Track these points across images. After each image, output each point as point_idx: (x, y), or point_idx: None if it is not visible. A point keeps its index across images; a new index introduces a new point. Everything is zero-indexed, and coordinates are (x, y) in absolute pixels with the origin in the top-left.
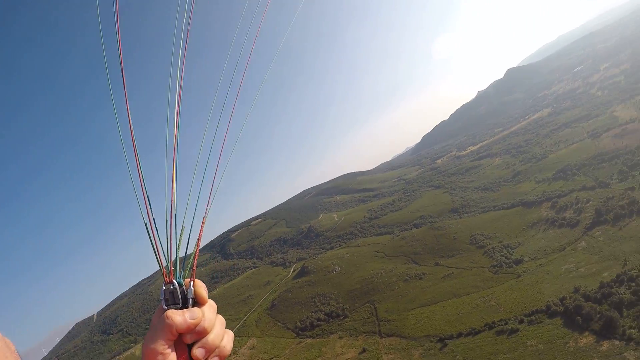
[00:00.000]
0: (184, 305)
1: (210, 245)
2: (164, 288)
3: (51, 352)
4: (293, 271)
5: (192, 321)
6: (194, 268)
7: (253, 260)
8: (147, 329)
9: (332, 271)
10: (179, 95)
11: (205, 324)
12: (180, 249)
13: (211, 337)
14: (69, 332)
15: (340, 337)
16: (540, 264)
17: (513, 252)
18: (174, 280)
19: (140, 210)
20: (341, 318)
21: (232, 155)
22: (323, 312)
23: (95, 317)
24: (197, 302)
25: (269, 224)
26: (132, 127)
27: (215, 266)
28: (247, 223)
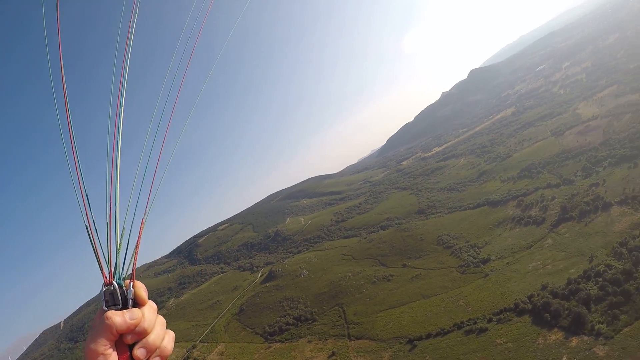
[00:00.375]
0: (124, 307)
1: (177, 251)
2: (104, 289)
3: None
4: (261, 276)
5: (132, 322)
6: (134, 269)
7: (220, 266)
8: None
9: (300, 275)
10: (120, 93)
11: (145, 324)
12: (120, 251)
13: (152, 338)
14: (36, 340)
15: (309, 341)
16: (507, 263)
17: (480, 251)
18: (114, 282)
19: (81, 211)
20: (310, 322)
21: (172, 156)
22: (292, 317)
23: (62, 324)
24: (137, 303)
25: (236, 229)
26: (71, 128)
27: (182, 272)
28: (214, 228)
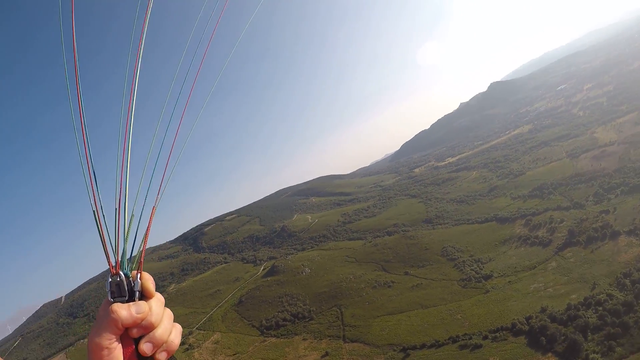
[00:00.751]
0: (131, 298)
1: (183, 237)
2: (110, 280)
3: (16, 330)
4: (263, 269)
5: (138, 315)
6: (142, 260)
7: (224, 256)
8: None
9: (302, 272)
10: (135, 76)
11: (152, 318)
12: (128, 239)
13: (158, 332)
14: (36, 312)
15: (304, 339)
16: (509, 281)
17: (483, 267)
18: (121, 272)
19: (89, 196)
20: (307, 320)
21: (186, 143)
22: (289, 313)
23: (63, 299)
24: (144, 296)
25: (243, 221)
26: (82, 106)
27: (186, 258)
28: (222, 218)
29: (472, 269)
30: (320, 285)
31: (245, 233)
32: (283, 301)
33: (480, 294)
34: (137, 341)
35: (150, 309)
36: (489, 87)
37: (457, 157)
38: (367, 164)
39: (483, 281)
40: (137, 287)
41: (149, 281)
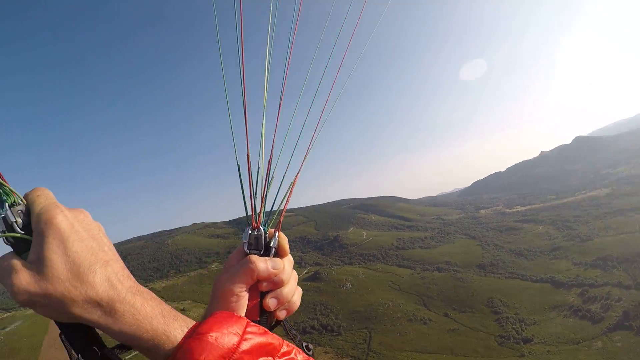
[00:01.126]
0: (265, 253)
1: (237, 222)
2: (250, 232)
3: None
4: (306, 273)
5: (274, 270)
6: (281, 220)
7: None
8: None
9: (343, 286)
10: (293, 38)
11: (284, 276)
12: (267, 198)
13: (285, 290)
14: None
15: (326, 352)
16: (548, 350)
17: (526, 328)
18: (261, 227)
19: (236, 152)
20: (334, 334)
21: (332, 112)
22: (319, 322)
23: None
24: (278, 254)
25: (299, 221)
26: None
27: (234, 242)
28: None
29: (513, 328)
30: (357, 304)
31: (298, 233)
32: (316, 309)
33: (515, 356)
34: (262, 295)
35: (283, 266)
36: (573, 141)
37: (526, 207)
38: (434, 195)
39: (522, 343)
40: (274, 244)
41: (285, 241)
